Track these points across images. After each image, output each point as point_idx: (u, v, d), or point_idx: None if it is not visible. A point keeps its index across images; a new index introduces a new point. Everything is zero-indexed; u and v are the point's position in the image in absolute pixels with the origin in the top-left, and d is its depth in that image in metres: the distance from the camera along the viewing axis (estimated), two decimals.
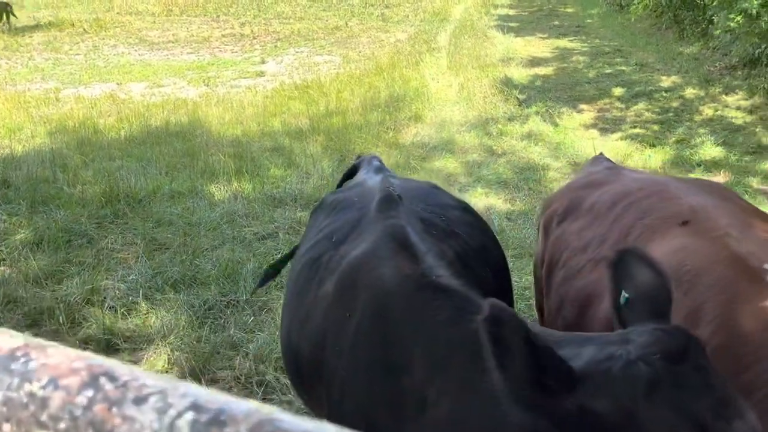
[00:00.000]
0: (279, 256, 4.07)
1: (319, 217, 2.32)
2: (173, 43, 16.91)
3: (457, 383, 1.42)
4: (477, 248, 2.09)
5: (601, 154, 2.99)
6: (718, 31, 9.09)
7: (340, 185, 2.94)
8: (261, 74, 13.05)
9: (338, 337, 1.76)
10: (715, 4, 9.61)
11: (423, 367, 1.45)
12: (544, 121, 8.51)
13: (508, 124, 8.47)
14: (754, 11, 8.20)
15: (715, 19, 9.62)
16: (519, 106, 9.32)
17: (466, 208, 2.36)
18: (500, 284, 2.16)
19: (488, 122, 8.65)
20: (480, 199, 6.37)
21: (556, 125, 8.36)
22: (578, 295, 1.98)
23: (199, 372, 3.37)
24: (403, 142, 8.10)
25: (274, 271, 2.98)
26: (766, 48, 8.99)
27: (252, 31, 17.86)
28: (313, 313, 1.91)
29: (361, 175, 2.66)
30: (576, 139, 7.79)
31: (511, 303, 2.29)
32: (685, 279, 1.60)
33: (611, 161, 2.79)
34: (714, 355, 1.39)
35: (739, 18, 8.38)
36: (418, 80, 10.75)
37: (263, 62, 14.17)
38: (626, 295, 1.24)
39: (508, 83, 10.40)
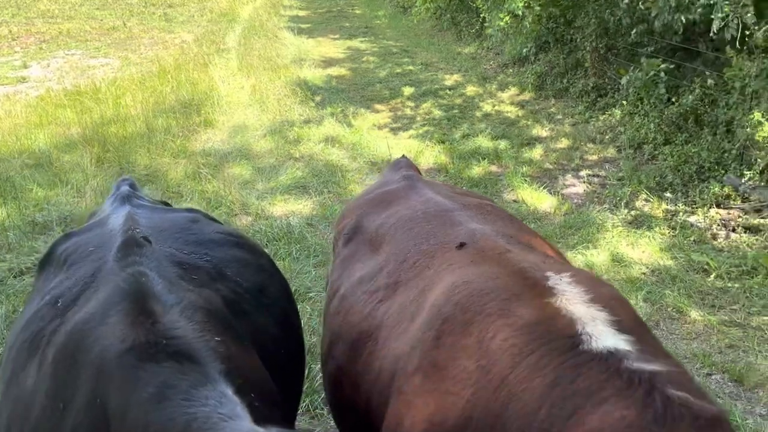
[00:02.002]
0: None
1: (48, 274, 1.83)
2: None
3: None
4: (252, 289, 1.79)
5: (403, 157, 2.85)
6: (489, 31, 9.78)
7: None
8: (23, 80, 11.48)
9: None
10: (486, 6, 10.35)
11: None
12: (340, 122, 8.48)
13: (305, 127, 8.29)
14: (520, 12, 8.94)
15: (488, 19, 10.37)
16: (314, 107, 9.20)
17: (237, 242, 2.03)
18: (282, 328, 1.87)
19: (284, 125, 8.40)
20: (279, 206, 6.10)
21: (352, 126, 8.37)
22: (350, 332, 1.75)
23: None
24: (192, 149, 7.53)
25: None
26: (531, 47, 9.88)
27: (10, 31, 15.66)
28: (32, 407, 1.44)
29: (105, 208, 2.18)
30: (371, 139, 7.85)
31: (298, 343, 2.02)
32: (470, 301, 1.46)
33: (411, 166, 2.66)
34: (500, 349, 1.30)
35: (507, 18, 9.08)
36: (207, 83, 10.13)
37: (25, 66, 12.49)
38: None
39: (302, 85, 10.24)
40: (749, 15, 4.89)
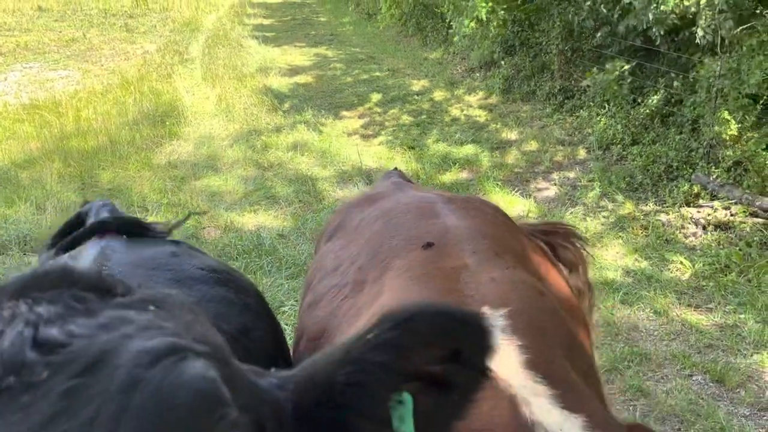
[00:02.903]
0: None
1: None
2: None
3: None
4: (234, 333, 1.61)
5: (395, 169, 2.75)
6: (456, 38, 9.78)
7: (53, 245, 2.12)
8: None
9: None
10: (450, 11, 10.36)
11: None
12: (309, 130, 8.37)
13: (272, 136, 8.16)
14: (484, 17, 8.96)
15: (453, 25, 10.38)
16: (282, 116, 9.07)
17: (220, 279, 1.82)
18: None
19: (251, 134, 8.26)
20: (249, 218, 5.96)
21: (321, 133, 8.27)
22: (313, 326, 1.63)
23: None
24: (157, 162, 7.33)
25: None
26: (498, 51, 9.91)
27: None
28: None
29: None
30: (341, 146, 7.76)
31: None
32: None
33: (403, 176, 2.56)
34: None
35: (472, 24, 9.09)
36: (171, 93, 9.92)
37: None
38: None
39: (268, 93, 10.10)
40: (727, 19, 4.95)
